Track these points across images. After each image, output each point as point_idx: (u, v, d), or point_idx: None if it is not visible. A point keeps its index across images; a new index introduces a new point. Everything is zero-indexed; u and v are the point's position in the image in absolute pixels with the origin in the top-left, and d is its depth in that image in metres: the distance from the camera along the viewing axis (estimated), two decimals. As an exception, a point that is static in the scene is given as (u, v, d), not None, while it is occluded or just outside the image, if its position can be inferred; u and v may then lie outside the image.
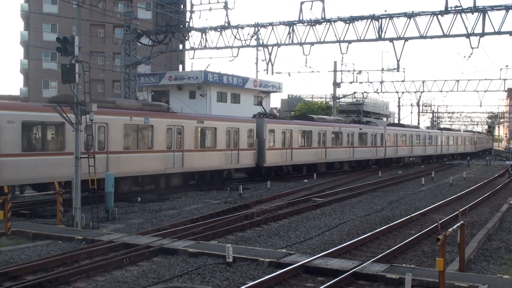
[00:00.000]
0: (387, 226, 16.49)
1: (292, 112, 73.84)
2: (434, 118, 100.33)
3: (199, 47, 30.79)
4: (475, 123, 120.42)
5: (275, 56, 30.20)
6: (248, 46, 30.07)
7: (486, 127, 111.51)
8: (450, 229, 10.29)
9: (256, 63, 56.59)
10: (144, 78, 43.82)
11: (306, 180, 33.01)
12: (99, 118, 20.47)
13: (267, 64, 30.41)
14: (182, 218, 18.02)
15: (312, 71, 44.90)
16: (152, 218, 18.24)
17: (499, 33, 25.30)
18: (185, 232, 15.14)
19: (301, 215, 19.45)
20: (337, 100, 54.93)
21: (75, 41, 15.65)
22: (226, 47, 30.22)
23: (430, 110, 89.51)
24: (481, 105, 53.94)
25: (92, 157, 16.56)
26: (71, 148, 18.02)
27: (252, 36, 29.79)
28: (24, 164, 18.53)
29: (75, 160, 16.21)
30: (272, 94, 51.15)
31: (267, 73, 33.95)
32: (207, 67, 39.74)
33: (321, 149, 37.34)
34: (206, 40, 30.53)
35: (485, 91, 49.22)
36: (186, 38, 31.97)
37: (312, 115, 40.85)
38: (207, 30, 30.46)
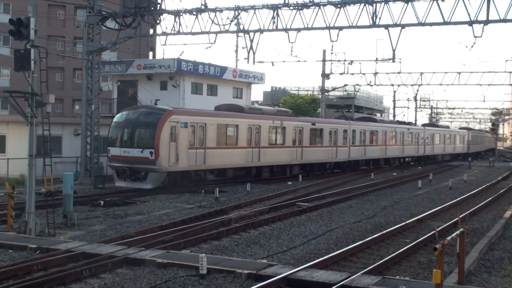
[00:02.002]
0: (380, 234, 16.60)
1: (276, 106, 74.03)
2: (433, 114, 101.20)
3: (172, 32, 30.60)
4: (478, 120, 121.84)
5: (257, 44, 30.15)
6: (227, 31, 29.97)
7: (490, 124, 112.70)
8: (449, 238, 10.38)
9: (236, 51, 56.54)
10: (109, 66, 43.47)
11: (290, 183, 33.15)
12: (255, 122, 32.82)
13: (248, 52, 30.32)
14: (151, 225, 17.94)
15: (299, 61, 44.96)
16: (117, 224, 18.13)
17: (504, 20, 25.52)
18: (154, 240, 15.07)
19: (284, 221, 19.49)
20: (326, 93, 55.09)
21: (31, 24, 15.46)
22: (202, 33, 30.07)
23: (429, 105, 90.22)
24: (484, 100, 54.83)
25: (48, 157, 16.38)
26: (241, 143, 31.72)
27: (231, 21, 29.68)
28: (217, 154, 29.98)
29: (29, 159, 16.02)
30: (253, 86, 51.10)
31: (248, 62, 34.09)
32: (180, 54, 39.52)
33: (383, 146, 48.80)
34: (179, 24, 30.36)
35: (489, 85, 49.68)
36: (157, 22, 31.76)
37: (375, 118, 52.93)
38: (181, 13, 30.30)
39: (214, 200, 24.33)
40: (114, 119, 29.15)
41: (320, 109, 53.66)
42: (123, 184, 27.63)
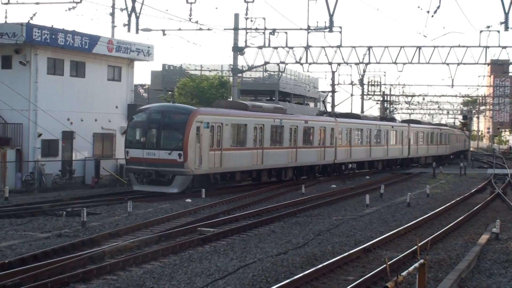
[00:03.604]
0: (313, 269, 16.81)
1: (169, 92, 73.80)
2: (386, 104, 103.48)
3: (18, -15, 29.93)
4: (445, 111, 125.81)
5: (142, 4, 29.96)
6: (98, -14, 29.61)
7: (460, 117, 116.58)
8: (405, 273, 10.65)
9: (112, 14, 55.83)
10: None
11: (189, 200, 33.12)
12: (259, 121, 41.28)
13: (129, 16, 30.15)
14: (-13, 263, 17.43)
15: (201, 29, 44.78)
16: None
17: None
18: (-9, 285, 14.68)
19: (180, 255, 19.44)
20: (239, 74, 55.37)
21: None
22: (62, -13, 29.58)
23: (380, 91, 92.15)
24: (452, 85, 56.05)
25: None
26: (249, 144, 40.12)
27: (104, -29, 29.38)
28: (231, 156, 38.24)
29: None
30: (137, 64, 50.70)
31: (128, 31, 33.47)
32: (31, 18, 38.66)
33: (368, 147, 58.47)
34: (29, -26, 29.75)
35: (458, 64, 51.18)
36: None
37: (358, 113, 64.92)
38: (31, -41, 29.70)
39: (81, 226, 23.93)
40: (132, 118, 37.15)
41: (231, 96, 53.83)
42: (145, 188, 35.09)
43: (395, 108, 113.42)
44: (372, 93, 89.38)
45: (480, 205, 33.37)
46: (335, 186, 44.59)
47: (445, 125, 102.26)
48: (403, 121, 78.49)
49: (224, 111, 39.65)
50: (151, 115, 35.96)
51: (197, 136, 35.00)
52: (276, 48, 49.62)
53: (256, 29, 48.68)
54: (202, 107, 40.27)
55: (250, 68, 54.11)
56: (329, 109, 67.46)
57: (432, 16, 37.58)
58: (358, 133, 57.03)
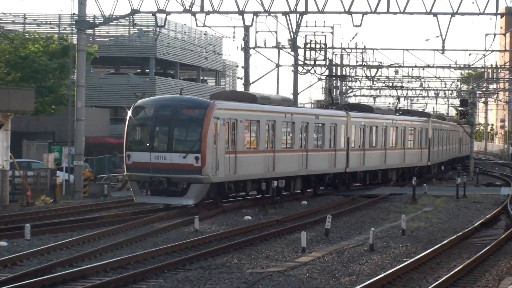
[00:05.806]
0: None
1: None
2: (335, 81, 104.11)
3: None
4: (431, 92, 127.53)
5: None
6: None
7: (456, 103, 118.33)
8: None
9: None
10: None
11: (5, 243, 32.83)
12: (271, 116, 52.80)
13: None
14: None
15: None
16: None
17: None
18: None
19: None
20: (89, 31, 55.15)
21: None
22: None
23: (324, 59, 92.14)
24: (443, 49, 56.97)
25: None
26: (262, 146, 52.56)
27: None
28: (246, 161, 49.94)
29: None
30: None
31: None
32: None
33: (382, 151, 71.82)
34: None
35: (452, 15, 52.13)
36: None
37: (369, 105, 77.58)
38: None
39: None
40: (133, 115, 46.26)
41: (75, 68, 53.48)
42: (151, 200, 45.86)
43: (351, 88, 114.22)
44: (312, 62, 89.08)
45: (488, 247, 33.65)
46: (250, 218, 44.80)
47: (443, 117, 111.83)
48: (417, 113, 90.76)
49: (237, 105, 50.28)
50: (159, 111, 46.15)
51: (214, 136, 45.13)
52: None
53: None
54: (216, 100, 49.61)
55: (108, 21, 53.99)
56: (239, 87, 68.24)
57: None
58: (373, 132, 70.29)
